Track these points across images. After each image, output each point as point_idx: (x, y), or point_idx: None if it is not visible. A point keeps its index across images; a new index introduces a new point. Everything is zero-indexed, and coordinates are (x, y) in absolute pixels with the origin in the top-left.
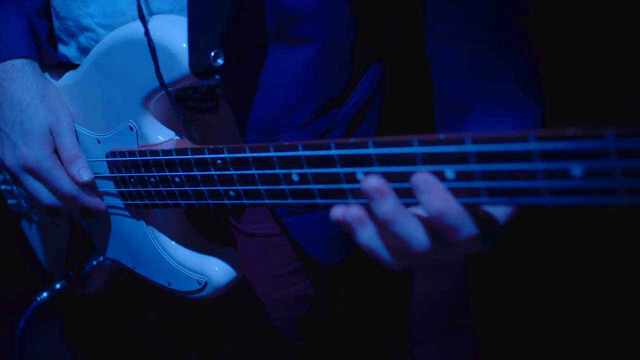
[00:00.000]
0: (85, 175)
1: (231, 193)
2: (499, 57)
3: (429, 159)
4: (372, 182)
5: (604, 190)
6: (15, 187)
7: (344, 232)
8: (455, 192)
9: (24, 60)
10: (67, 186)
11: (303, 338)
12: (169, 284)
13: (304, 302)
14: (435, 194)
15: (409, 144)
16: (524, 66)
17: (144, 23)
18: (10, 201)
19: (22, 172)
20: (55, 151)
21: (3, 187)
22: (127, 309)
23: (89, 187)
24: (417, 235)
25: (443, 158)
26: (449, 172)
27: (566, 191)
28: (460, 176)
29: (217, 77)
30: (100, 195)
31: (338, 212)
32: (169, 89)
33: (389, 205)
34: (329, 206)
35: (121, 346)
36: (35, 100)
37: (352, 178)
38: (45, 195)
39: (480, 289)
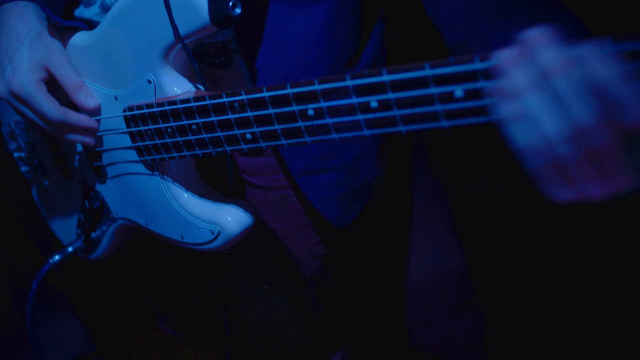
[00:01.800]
0: (92, 102)
1: (248, 136)
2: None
3: (440, 81)
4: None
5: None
6: (26, 153)
7: (355, 194)
8: None
9: (28, 2)
10: (52, 110)
11: (316, 300)
12: (182, 237)
13: (315, 260)
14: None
15: (420, 68)
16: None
17: None
18: (22, 168)
19: (10, 97)
20: (47, 82)
21: (16, 154)
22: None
23: (94, 115)
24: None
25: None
26: (459, 91)
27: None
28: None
29: (231, 32)
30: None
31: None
32: (190, 39)
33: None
34: (344, 140)
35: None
36: (32, 34)
37: (366, 107)
38: (37, 120)
39: (480, 271)
